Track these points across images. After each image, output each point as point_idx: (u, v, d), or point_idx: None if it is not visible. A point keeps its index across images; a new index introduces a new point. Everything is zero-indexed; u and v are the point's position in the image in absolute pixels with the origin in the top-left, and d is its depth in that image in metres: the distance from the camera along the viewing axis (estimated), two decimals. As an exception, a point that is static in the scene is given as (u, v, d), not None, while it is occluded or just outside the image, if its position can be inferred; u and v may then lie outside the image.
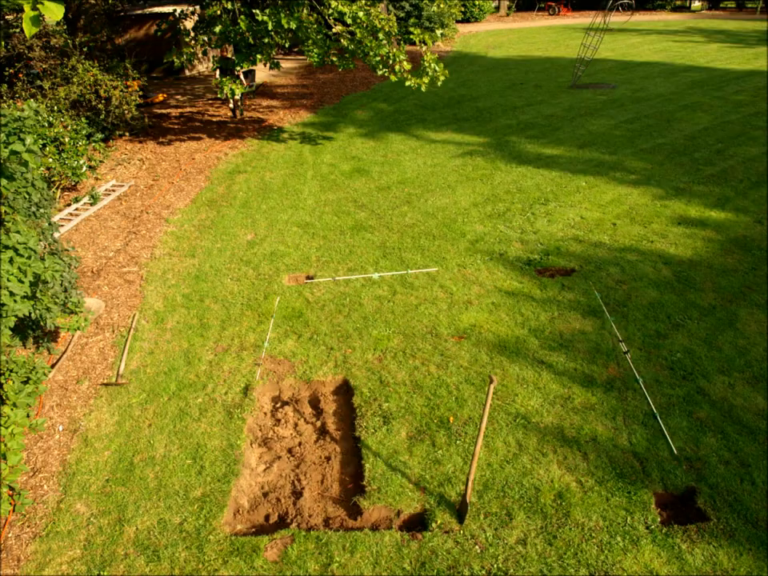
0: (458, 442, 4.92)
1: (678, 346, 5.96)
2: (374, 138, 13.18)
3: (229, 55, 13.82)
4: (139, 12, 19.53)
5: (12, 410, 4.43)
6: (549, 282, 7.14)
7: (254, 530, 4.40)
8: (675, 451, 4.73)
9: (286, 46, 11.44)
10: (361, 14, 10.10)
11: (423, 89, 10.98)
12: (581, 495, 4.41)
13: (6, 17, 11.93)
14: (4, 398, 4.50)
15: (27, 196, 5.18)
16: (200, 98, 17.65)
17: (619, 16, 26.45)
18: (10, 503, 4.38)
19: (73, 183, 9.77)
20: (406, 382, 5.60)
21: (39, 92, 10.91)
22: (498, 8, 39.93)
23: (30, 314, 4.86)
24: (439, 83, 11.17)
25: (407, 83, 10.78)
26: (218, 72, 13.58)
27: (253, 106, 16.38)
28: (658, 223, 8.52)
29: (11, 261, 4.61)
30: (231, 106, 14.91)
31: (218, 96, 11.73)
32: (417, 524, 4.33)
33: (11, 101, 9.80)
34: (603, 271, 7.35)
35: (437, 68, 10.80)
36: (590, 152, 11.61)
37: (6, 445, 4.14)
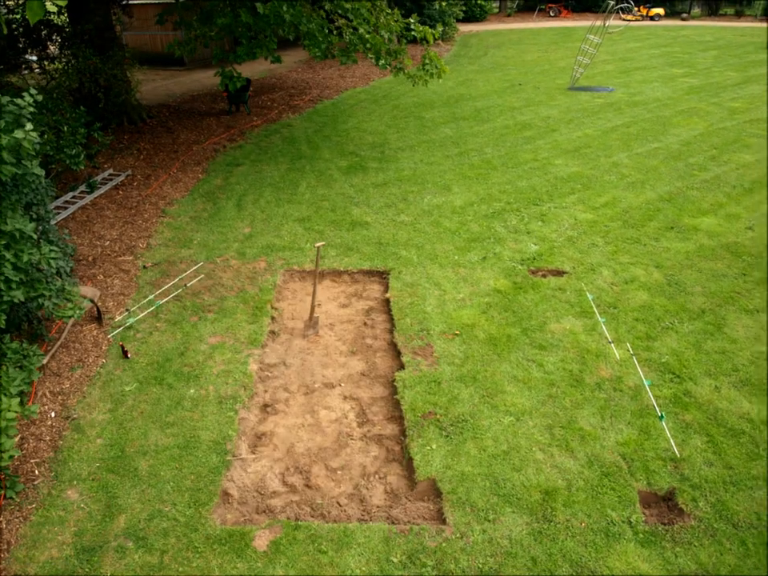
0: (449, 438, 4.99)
1: (667, 348, 6.04)
2: (371, 135, 13.20)
3: (228, 48, 13.77)
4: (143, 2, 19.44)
5: (5, 396, 4.45)
6: (541, 282, 7.20)
7: (243, 519, 4.45)
8: (661, 452, 4.81)
9: (291, 38, 11.40)
10: (363, 10, 10.09)
11: (426, 86, 11.03)
12: (567, 493, 4.48)
13: (8, 2, 11.86)
14: (-3, 383, 4.52)
15: (25, 183, 5.19)
16: (199, 91, 17.61)
17: (618, 20, 26.53)
18: (1, 488, 4.40)
19: (71, 171, 9.74)
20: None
21: (39, 77, 10.85)
22: (499, 8, 39.97)
23: (24, 300, 4.88)
24: (440, 80, 11.24)
25: (409, 80, 10.83)
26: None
27: (253, 101, 16.36)
28: (650, 227, 8.60)
29: (7, 247, 4.63)
30: (228, 107, 14.94)
31: (219, 87, 11.70)
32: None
33: (11, 87, 9.75)
34: (595, 273, 7.42)
35: (437, 65, 10.81)
36: (586, 154, 11.68)
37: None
